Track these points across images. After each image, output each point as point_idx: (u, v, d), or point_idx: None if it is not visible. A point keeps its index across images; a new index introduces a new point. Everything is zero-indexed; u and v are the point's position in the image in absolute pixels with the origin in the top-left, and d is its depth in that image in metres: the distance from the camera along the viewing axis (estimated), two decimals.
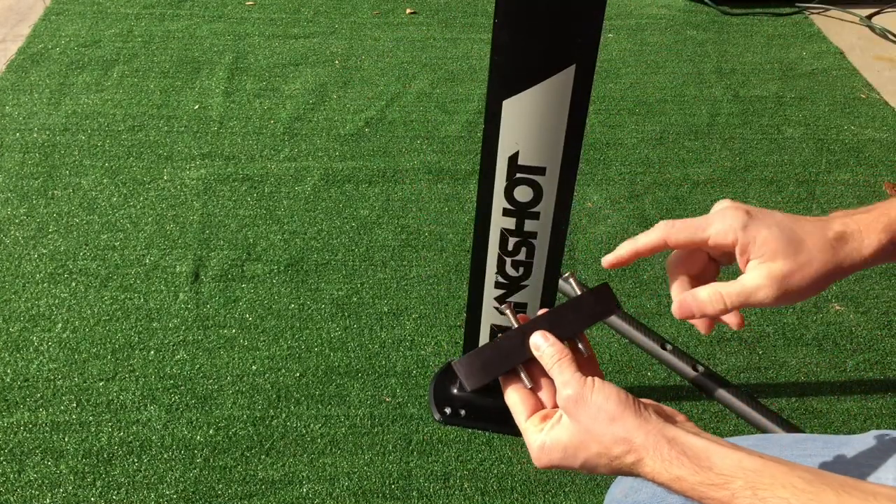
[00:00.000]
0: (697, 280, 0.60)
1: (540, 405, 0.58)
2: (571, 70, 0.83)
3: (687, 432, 0.51)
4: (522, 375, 0.59)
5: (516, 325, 0.60)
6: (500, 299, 1.13)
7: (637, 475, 0.52)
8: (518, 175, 0.94)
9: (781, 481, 0.46)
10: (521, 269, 1.07)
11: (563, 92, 0.84)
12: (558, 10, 0.82)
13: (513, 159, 0.92)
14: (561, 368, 0.55)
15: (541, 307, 1.07)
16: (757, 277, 0.55)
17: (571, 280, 0.55)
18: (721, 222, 0.56)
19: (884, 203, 0.57)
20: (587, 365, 0.60)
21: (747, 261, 0.56)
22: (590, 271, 1.62)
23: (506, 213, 0.99)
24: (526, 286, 1.10)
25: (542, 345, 0.57)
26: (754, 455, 0.49)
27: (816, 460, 0.73)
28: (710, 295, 0.56)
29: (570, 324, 0.60)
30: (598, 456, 0.52)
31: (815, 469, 0.47)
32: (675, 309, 0.57)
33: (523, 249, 1.04)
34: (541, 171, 0.93)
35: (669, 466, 0.49)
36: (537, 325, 0.59)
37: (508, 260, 1.06)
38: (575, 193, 1.02)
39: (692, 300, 0.56)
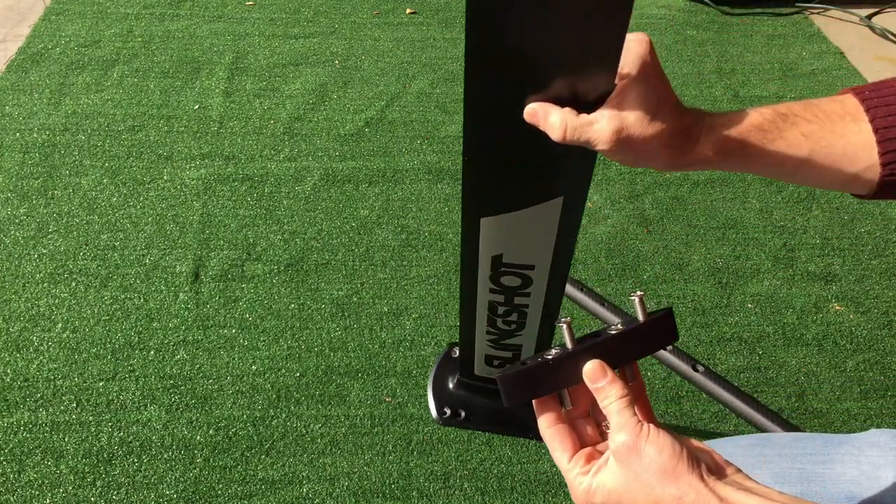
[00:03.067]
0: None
1: (579, 441, 0.56)
2: (558, 201, 0.73)
3: (738, 489, 0.50)
4: (564, 397, 0.56)
5: (570, 346, 0.56)
6: (494, 342, 1.05)
7: None
8: (504, 269, 0.85)
9: None
10: (514, 325, 1.00)
11: (549, 216, 0.74)
12: (538, 147, 0.65)
13: (497, 259, 0.82)
14: (619, 409, 0.52)
15: (536, 349, 0.99)
16: (605, 126, 0.56)
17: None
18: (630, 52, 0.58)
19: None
20: (634, 392, 0.57)
21: (626, 86, 0.57)
22: (590, 271, 1.62)
23: (493, 292, 0.90)
24: (521, 335, 1.03)
25: (601, 380, 0.54)
26: None
27: (816, 459, 0.73)
28: (561, 116, 0.57)
29: (626, 353, 0.56)
30: None
31: None
32: (526, 111, 0.59)
33: (514, 315, 0.96)
34: (529, 267, 0.85)
35: None
36: (592, 350, 0.55)
37: (499, 319, 0.98)
38: None
39: (543, 114, 0.58)
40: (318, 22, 2.38)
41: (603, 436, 0.57)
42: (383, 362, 1.43)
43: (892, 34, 2.51)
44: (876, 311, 1.59)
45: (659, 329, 0.57)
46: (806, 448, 0.73)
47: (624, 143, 0.56)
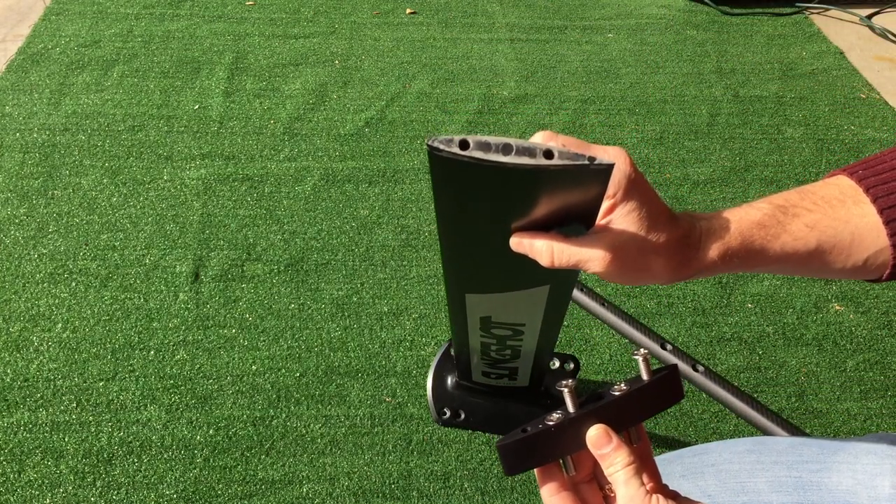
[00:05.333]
0: None
1: None
2: (545, 288, 0.70)
3: None
4: (567, 463, 0.54)
5: (572, 409, 0.54)
6: (490, 365, 1.03)
7: None
8: (494, 325, 0.85)
9: None
10: (508, 356, 0.98)
11: (536, 298, 0.72)
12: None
13: (486, 318, 0.80)
14: (626, 478, 0.51)
15: (533, 370, 0.97)
16: (598, 245, 0.51)
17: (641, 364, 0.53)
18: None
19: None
20: (640, 455, 0.55)
21: (614, 206, 0.53)
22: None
23: (484, 337, 0.90)
24: (516, 362, 1.02)
25: (605, 447, 0.52)
26: None
27: (812, 467, 0.72)
28: (547, 241, 0.51)
29: (631, 415, 0.54)
30: None
31: None
32: (511, 242, 0.52)
33: (508, 351, 0.95)
34: (520, 324, 0.82)
35: None
36: (595, 414, 0.53)
37: (493, 353, 0.96)
38: None
39: (528, 243, 0.51)
40: (318, 22, 2.38)
41: (607, 500, 0.56)
42: (383, 362, 1.43)
43: (892, 34, 2.51)
44: (876, 311, 1.59)
45: (664, 388, 0.56)
46: (802, 455, 0.73)
47: (620, 262, 0.52)
